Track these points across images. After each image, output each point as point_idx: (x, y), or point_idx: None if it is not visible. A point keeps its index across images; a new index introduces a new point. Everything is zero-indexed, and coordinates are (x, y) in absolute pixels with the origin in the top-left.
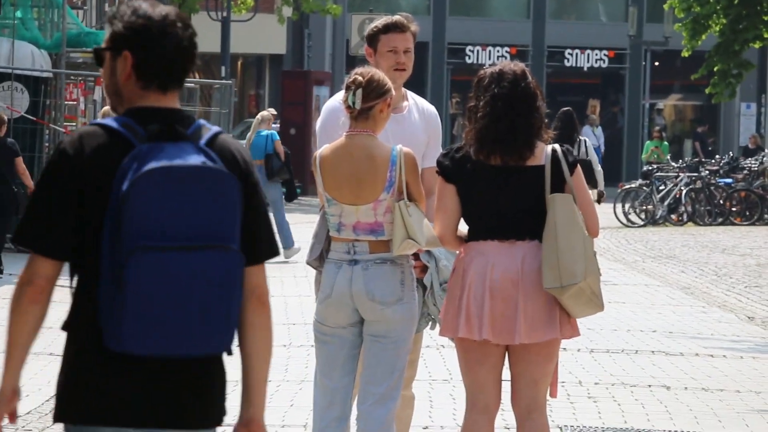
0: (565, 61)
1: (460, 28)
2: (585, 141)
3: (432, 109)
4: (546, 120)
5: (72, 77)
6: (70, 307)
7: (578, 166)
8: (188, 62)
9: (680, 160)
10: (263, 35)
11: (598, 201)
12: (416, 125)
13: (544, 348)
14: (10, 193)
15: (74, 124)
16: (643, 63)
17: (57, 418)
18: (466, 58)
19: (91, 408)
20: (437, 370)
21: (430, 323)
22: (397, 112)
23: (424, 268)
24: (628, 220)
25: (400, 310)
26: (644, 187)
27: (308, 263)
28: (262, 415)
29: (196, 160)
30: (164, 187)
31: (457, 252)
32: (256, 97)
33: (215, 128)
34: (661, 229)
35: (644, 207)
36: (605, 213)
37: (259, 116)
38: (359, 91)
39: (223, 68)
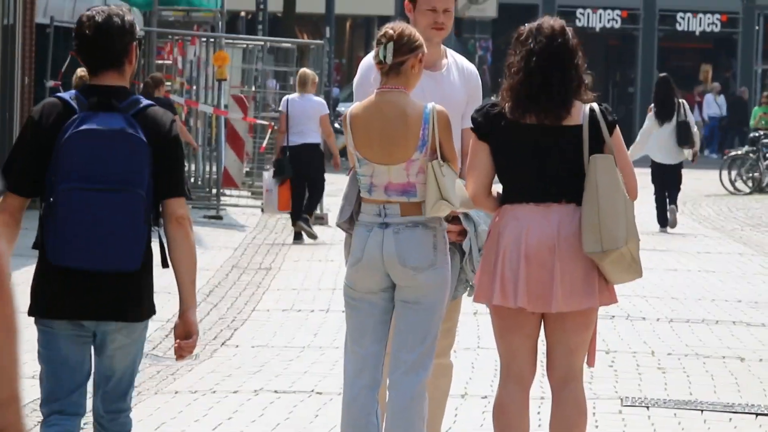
0: (677, 25)
1: None
2: (683, 103)
3: (472, 67)
4: (586, 80)
5: (169, 36)
6: (37, 230)
7: (617, 126)
8: (105, 50)
9: None
10: None
11: (692, 160)
12: (455, 84)
13: (581, 316)
14: None
15: (169, 83)
16: (756, 27)
17: (27, 313)
18: (577, 21)
19: (39, 305)
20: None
21: (468, 289)
22: (435, 70)
23: (463, 232)
24: (735, 187)
25: (433, 276)
26: (751, 154)
27: (338, 225)
28: (191, 310)
29: (117, 125)
30: (89, 143)
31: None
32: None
33: (146, 102)
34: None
35: (751, 174)
36: (712, 180)
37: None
38: (390, 45)
39: (327, 29)
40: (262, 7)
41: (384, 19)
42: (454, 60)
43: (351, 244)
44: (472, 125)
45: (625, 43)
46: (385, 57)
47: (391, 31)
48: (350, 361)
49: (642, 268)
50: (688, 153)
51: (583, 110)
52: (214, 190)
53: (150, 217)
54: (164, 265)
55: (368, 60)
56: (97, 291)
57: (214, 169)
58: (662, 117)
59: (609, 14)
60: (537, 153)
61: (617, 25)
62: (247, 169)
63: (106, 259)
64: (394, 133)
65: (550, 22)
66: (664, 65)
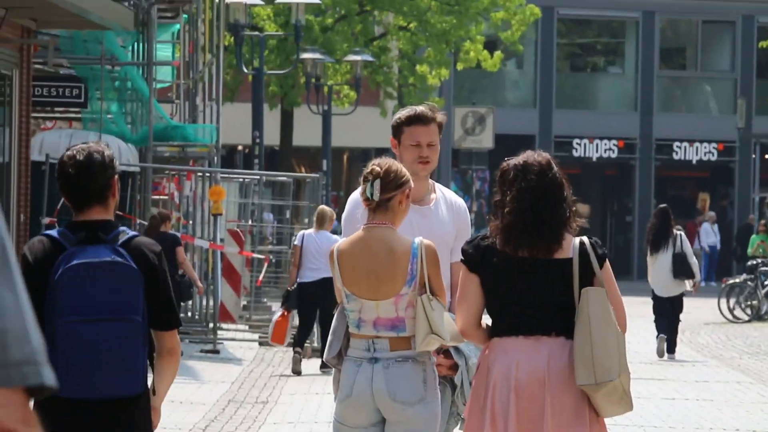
0: (674, 153)
1: (566, 121)
2: (681, 235)
3: (460, 201)
4: (574, 209)
5: (165, 171)
6: None
7: (607, 259)
8: (88, 188)
9: None
10: (367, 128)
11: (693, 290)
12: (443, 218)
13: None
14: (175, 284)
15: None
16: (753, 156)
17: None
18: (573, 151)
19: None
20: None
21: (459, 423)
22: (424, 204)
23: (453, 366)
24: (733, 315)
25: (423, 410)
26: (749, 282)
27: (326, 360)
28: (160, 399)
29: (107, 257)
30: (82, 277)
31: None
32: None
33: (131, 233)
34: (766, 324)
35: (749, 302)
36: (710, 308)
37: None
38: (377, 182)
39: (324, 161)
40: (258, 141)
41: (381, 152)
42: (443, 194)
43: (340, 379)
44: (462, 257)
45: (622, 172)
46: (372, 194)
47: (377, 168)
48: None
49: (632, 401)
50: (688, 284)
51: (573, 243)
52: (210, 325)
53: (148, 343)
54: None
55: (356, 196)
56: (95, 420)
57: (211, 303)
58: (656, 248)
59: (605, 144)
60: (527, 286)
61: (614, 155)
62: (245, 303)
63: (109, 386)
64: (382, 269)
65: (536, 157)
66: (661, 194)
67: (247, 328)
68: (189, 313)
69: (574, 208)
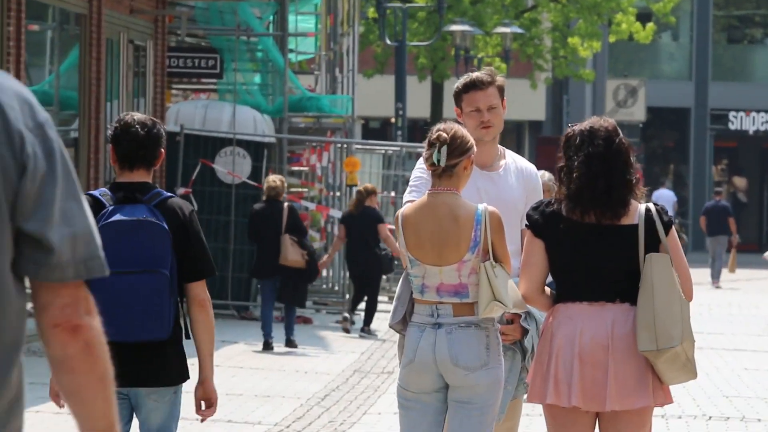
0: None
1: (722, 94)
2: None
3: (531, 168)
4: (639, 176)
5: (306, 143)
6: None
7: (672, 226)
8: (146, 151)
9: None
10: (518, 100)
11: None
12: (511, 185)
13: (636, 415)
14: (376, 258)
15: (306, 189)
16: None
17: None
18: (730, 124)
19: None
20: None
21: (526, 388)
22: (492, 171)
23: (525, 331)
24: None
25: (486, 376)
26: None
27: (391, 326)
28: (210, 377)
29: (140, 215)
30: (117, 232)
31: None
32: None
33: (166, 194)
34: None
35: None
36: None
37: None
38: (444, 149)
39: None
40: (401, 113)
41: (534, 124)
42: (513, 160)
43: (404, 344)
44: (527, 223)
45: None
46: (438, 160)
47: (444, 134)
48: None
49: (696, 369)
50: None
51: (639, 210)
52: (347, 296)
53: (176, 294)
54: (186, 336)
55: (422, 162)
56: (127, 361)
57: (347, 274)
58: None
59: (763, 117)
60: (593, 252)
61: None
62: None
63: (134, 331)
64: (445, 235)
65: (602, 123)
66: None
67: (386, 299)
68: (329, 284)
69: (638, 175)
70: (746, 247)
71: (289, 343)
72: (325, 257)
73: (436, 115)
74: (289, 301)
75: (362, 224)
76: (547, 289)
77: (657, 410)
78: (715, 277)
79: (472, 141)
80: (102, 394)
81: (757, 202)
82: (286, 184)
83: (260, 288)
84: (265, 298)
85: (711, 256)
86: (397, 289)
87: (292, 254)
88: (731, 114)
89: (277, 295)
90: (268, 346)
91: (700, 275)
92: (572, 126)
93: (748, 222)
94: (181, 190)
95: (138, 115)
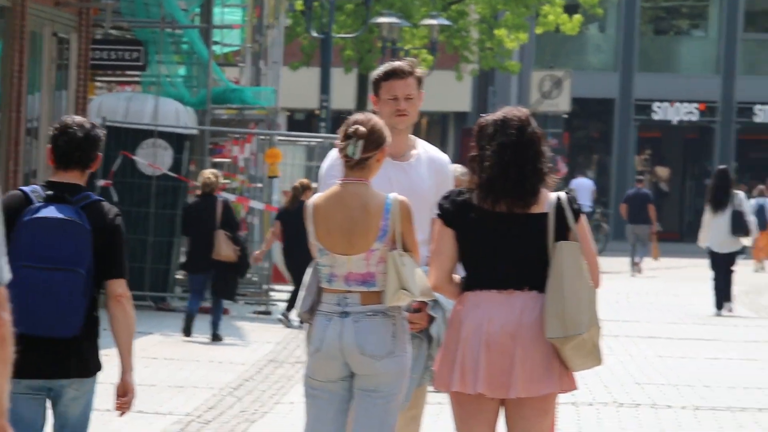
0: (755, 117)
1: (647, 84)
2: (739, 194)
3: (443, 157)
4: (551, 165)
5: (229, 135)
6: None
7: (582, 214)
8: (81, 153)
9: None
10: (445, 92)
11: (751, 247)
12: (422, 174)
13: (541, 402)
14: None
15: (228, 181)
16: None
17: None
18: (654, 114)
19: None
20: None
21: (432, 376)
22: (404, 161)
23: (431, 319)
24: None
25: (391, 364)
26: None
27: (299, 315)
28: (128, 374)
29: (65, 215)
30: (39, 229)
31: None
32: None
33: (95, 197)
34: None
35: None
36: None
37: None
38: (360, 143)
39: None
40: (325, 104)
41: (460, 115)
42: (425, 151)
43: (311, 334)
44: (438, 212)
45: (702, 135)
46: (353, 153)
47: (362, 129)
48: None
49: (602, 356)
50: (745, 241)
51: (549, 198)
52: (264, 286)
53: (91, 292)
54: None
55: (334, 152)
56: (47, 354)
57: (266, 265)
58: (716, 207)
59: (686, 107)
60: (503, 240)
61: (695, 118)
62: None
63: (48, 326)
64: (354, 224)
65: (515, 112)
66: (742, 157)
67: None
68: (248, 275)
69: (549, 164)
70: (667, 236)
71: (215, 337)
72: (257, 252)
73: (362, 106)
74: (221, 294)
75: (298, 220)
76: (456, 277)
77: (568, 397)
78: (638, 262)
79: (388, 134)
80: (5, 376)
81: (678, 191)
82: (221, 179)
83: (190, 282)
84: (195, 292)
85: (630, 244)
86: (306, 279)
87: (225, 249)
88: (655, 104)
89: (212, 289)
90: (188, 333)
91: (620, 264)
92: (485, 116)
93: (669, 211)
94: (101, 182)
95: (78, 118)
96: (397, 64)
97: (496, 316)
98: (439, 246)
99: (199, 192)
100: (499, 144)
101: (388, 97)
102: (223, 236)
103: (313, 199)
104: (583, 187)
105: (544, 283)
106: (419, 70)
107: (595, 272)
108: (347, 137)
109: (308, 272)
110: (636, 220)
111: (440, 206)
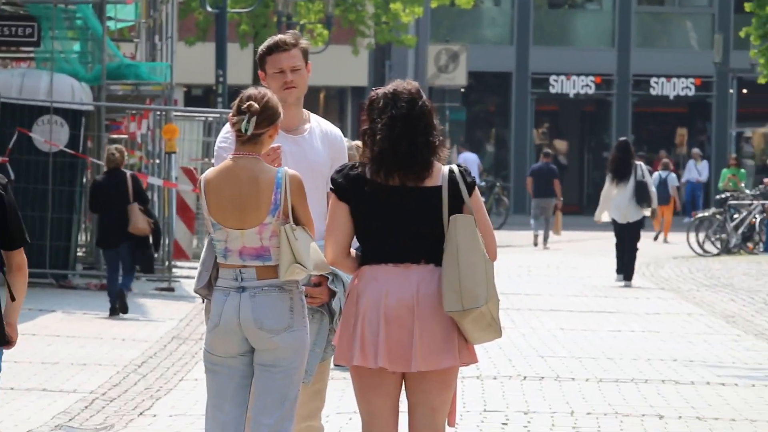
0: (651, 89)
1: (543, 58)
2: (641, 165)
3: (336, 131)
4: (442, 138)
5: (126, 111)
6: None
7: (476, 187)
8: None
9: (756, 188)
10: (341, 67)
11: (652, 217)
12: (317, 148)
13: (441, 375)
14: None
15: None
16: (730, 91)
17: None
18: (550, 87)
19: None
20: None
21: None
22: (297, 134)
23: (332, 294)
24: (703, 249)
25: (290, 338)
26: (718, 216)
27: (196, 291)
28: (14, 320)
29: None
30: None
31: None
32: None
33: None
34: (733, 258)
35: (718, 236)
36: (679, 242)
37: None
38: (254, 119)
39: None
40: (221, 80)
41: (357, 90)
42: (318, 124)
43: (209, 309)
44: (331, 186)
45: (599, 108)
46: (246, 129)
47: (255, 106)
48: (211, 427)
49: (501, 329)
50: (647, 211)
51: (442, 171)
52: (166, 263)
53: None
54: (12, 299)
55: (228, 126)
56: None
57: (167, 241)
58: (619, 178)
59: (583, 80)
60: (397, 214)
61: (591, 91)
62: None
63: None
64: (246, 198)
65: (405, 86)
66: (638, 130)
67: None
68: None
69: (441, 137)
70: (568, 209)
71: (123, 308)
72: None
73: (258, 81)
74: (144, 269)
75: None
76: (353, 252)
77: (473, 371)
78: (544, 240)
79: (280, 109)
80: None
81: (577, 165)
82: (126, 155)
83: (104, 257)
84: (111, 267)
85: (533, 218)
86: (202, 254)
87: (141, 222)
88: (552, 78)
89: (132, 263)
90: (114, 312)
91: (521, 238)
92: (376, 89)
93: (569, 184)
94: None
95: None
96: (279, 36)
97: (393, 290)
98: (333, 221)
99: (105, 168)
100: (390, 117)
101: (274, 71)
102: (137, 210)
103: (205, 174)
104: (469, 161)
105: (440, 256)
106: (304, 42)
107: (491, 245)
108: (240, 113)
109: (204, 248)
110: (541, 194)
111: (333, 180)
